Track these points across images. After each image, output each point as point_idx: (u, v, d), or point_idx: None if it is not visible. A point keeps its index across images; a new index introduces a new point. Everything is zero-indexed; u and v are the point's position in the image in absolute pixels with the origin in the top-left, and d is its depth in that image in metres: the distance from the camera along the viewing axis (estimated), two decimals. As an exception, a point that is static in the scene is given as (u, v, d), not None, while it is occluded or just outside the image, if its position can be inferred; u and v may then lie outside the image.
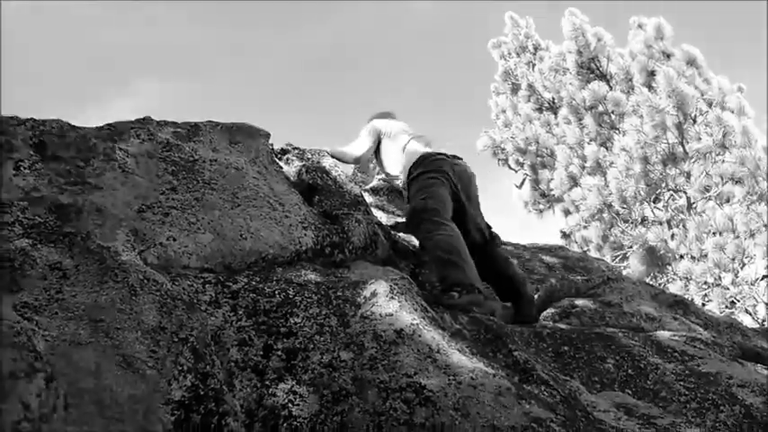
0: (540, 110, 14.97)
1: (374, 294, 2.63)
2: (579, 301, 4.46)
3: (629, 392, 3.29)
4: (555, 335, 3.69)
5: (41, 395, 1.69)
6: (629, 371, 3.46)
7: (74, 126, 2.83)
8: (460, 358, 2.39)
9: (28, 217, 2.19)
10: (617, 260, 11.87)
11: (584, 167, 12.77)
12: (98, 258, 2.15)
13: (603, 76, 13.42)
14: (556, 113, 14.38)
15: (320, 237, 3.09)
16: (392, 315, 2.50)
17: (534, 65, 15.45)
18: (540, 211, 15.66)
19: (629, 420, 2.83)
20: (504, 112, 15.74)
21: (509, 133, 15.01)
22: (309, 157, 4.06)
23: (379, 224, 3.67)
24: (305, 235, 3.01)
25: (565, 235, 14.42)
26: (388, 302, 2.58)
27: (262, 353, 2.29)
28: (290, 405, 2.17)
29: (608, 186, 11.81)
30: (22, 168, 2.43)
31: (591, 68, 13.62)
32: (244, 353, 2.27)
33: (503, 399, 2.25)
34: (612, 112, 12.48)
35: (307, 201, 3.66)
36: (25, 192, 2.32)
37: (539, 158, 14.46)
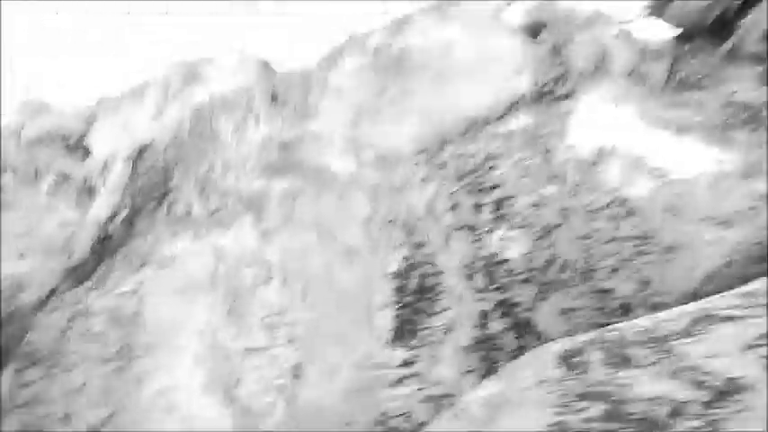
0: None
1: (579, 117, 2.53)
2: None
3: None
4: None
5: (279, 294, 2.18)
6: None
7: (299, 72, 3.29)
8: (677, 155, 2.18)
9: (262, 160, 2.72)
10: None
11: None
12: (316, 175, 2.57)
13: None
14: None
15: (539, 75, 3.03)
16: (594, 133, 2.39)
17: None
18: None
19: None
20: None
21: None
22: (534, -5, 3.88)
23: (618, 34, 3.37)
24: (519, 81, 2.99)
25: None
26: (591, 121, 2.46)
27: (473, 210, 2.45)
28: (503, 250, 2.31)
29: None
30: (258, 123, 2.97)
31: None
32: (456, 215, 2.46)
33: (724, 184, 2.01)
34: None
35: (535, 40, 3.56)
36: (261, 141, 2.86)
37: None
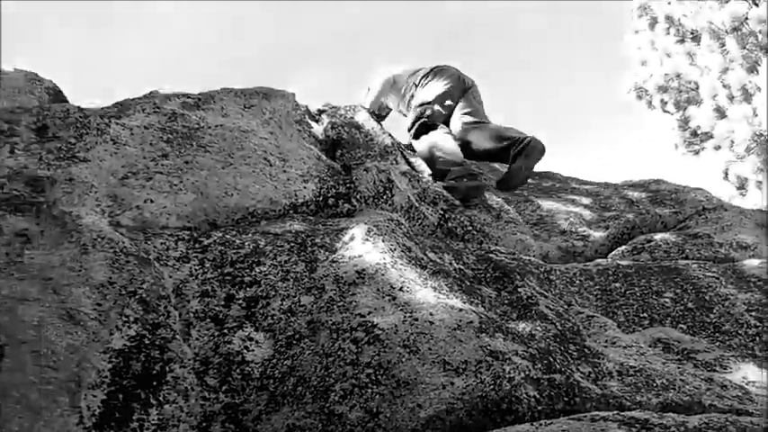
0: (681, 41, 13.63)
1: (352, 238, 2.57)
2: (658, 236, 4.05)
3: (683, 328, 2.96)
4: (607, 271, 3.39)
5: (-30, 346, 1.84)
6: (689, 304, 3.11)
7: (82, 108, 3.02)
8: (426, 296, 2.27)
9: (5, 191, 2.38)
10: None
11: (731, 97, 11.48)
12: (60, 223, 2.29)
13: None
14: (699, 42, 13.01)
15: (324, 188, 3.07)
16: (360, 257, 2.43)
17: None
18: (696, 152, 14.34)
19: (656, 356, 2.54)
20: (639, 49, 14.51)
21: (648, 72, 13.85)
22: (343, 113, 4.04)
23: (406, 172, 3.57)
24: (304, 188, 3.00)
25: (725, 174, 13.10)
26: (361, 245, 2.50)
27: (223, 302, 2.32)
28: (244, 351, 2.19)
29: (757, 115, 10.53)
30: (16, 150, 2.64)
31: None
32: (205, 303, 2.31)
33: (460, 333, 2.11)
34: (760, 32, 11.05)
35: (331, 156, 3.65)
36: (13, 170, 2.53)
37: (683, 94, 13.21)
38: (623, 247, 3.97)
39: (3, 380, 1.83)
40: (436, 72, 4.48)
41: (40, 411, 1.83)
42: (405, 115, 4.58)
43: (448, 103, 4.30)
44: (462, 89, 4.45)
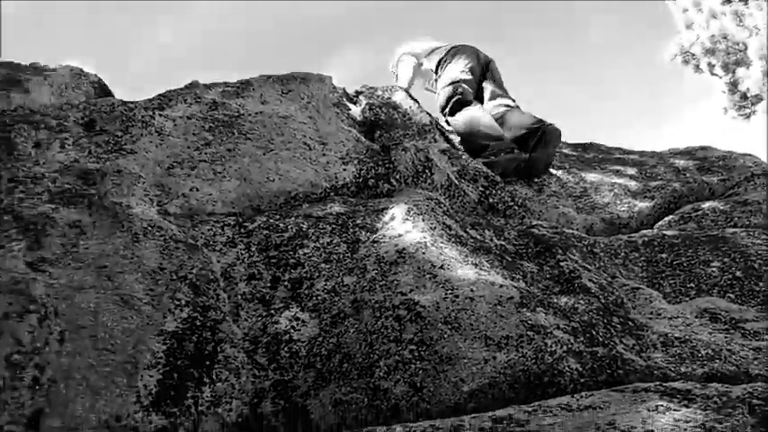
0: (728, 1, 13.16)
1: (392, 218, 2.61)
2: (706, 204, 3.98)
3: (731, 297, 2.93)
4: (653, 242, 3.35)
5: (34, 332, 1.95)
6: (737, 273, 3.06)
7: (125, 102, 3.12)
8: (467, 272, 2.29)
9: (57, 185, 2.49)
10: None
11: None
12: (111, 213, 2.39)
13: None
14: (746, 1, 12.55)
15: (363, 170, 3.11)
16: (400, 236, 2.46)
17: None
18: (747, 116, 13.91)
19: (703, 326, 2.52)
20: (685, 12, 14.08)
21: (694, 35, 13.44)
22: (380, 94, 4.06)
23: (446, 150, 3.58)
24: (343, 170, 3.04)
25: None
26: (401, 225, 2.54)
27: (269, 284, 2.39)
28: (291, 330, 2.26)
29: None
30: (66, 145, 2.74)
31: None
32: (252, 286, 2.39)
33: (501, 309, 2.13)
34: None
35: (370, 137, 3.69)
36: (64, 164, 2.63)
37: (731, 56, 12.80)
38: (669, 216, 3.91)
39: (64, 363, 1.93)
40: (455, 52, 4.55)
41: (99, 392, 1.93)
42: (434, 92, 4.63)
43: (472, 80, 4.34)
44: (482, 67, 4.51)
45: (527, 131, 4.00)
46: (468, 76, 4.34)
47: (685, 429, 1.49)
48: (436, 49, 4.66)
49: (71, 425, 1.87)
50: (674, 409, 1.61)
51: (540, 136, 3.97)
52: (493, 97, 4.36)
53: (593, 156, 4.79)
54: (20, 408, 1.82)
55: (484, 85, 4.45)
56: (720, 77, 13.40)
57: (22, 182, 2.47)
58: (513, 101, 4.42)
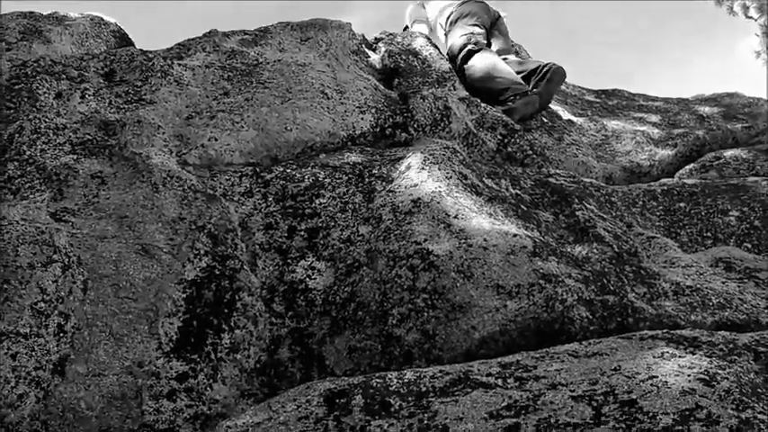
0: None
1: (408, 168, 2.62)
2: (728, 153, 3.92)
3: (748, 246, 2.92)
4: (672, 191, 3.33)
5: (57, 281, 2.02)
6: (756, 222, 3.04)
7: (144, 51, 3.13)
8: (481, 222, 2.31)
9: (78, 136, 2.54)
10: None
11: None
12: (131, 164, 2.44)
13: None
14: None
15: (381, 119, 3.10)
16: (416, 186, 2.48)
17: None
18: (783, 59, 13.44)
19: (716, 275, 2.52)
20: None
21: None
22: (400, 40, 4.02)
23: (465, 98, 3.55)
24: (361, 119, 3.04)
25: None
26: (416, 174, 2.55)
27: (286, 234, 2.44)
28: (307, 279, 2.31)
29: None
30: (87, 96, 2.78)
31: None
32: (269, 235, 2.43)
33: (513, 258, 2.15)
34: None
35: (389, 85, 3.66)
36: (85, 115, 2.67)
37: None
38: (691, 165, 3.86)
39: (87, 311, 2.01)
40: (466, 6, 4.58)
41: (122, 338, 2.01)
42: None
43: (483, 33, 4.39)
44: (491, 20, 4.56)
45: (534, 68, 4.04)
46: (480, 30, 4.37)
47: (689, 375, 1.52)
48: (447, 4, 4.70)
49: (96, 371, 1.96)
50: (680, 356, 1.63)
51: (543, 73, 3.96)
52: (500, 53, 4.39)
53: (617, 102, 4.72)
54: (46, 354, 1.90)
55: (492, 40, 4.50)
56: (755, 20, 12.94)
57: (45, 133, 2.52)
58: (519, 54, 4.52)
